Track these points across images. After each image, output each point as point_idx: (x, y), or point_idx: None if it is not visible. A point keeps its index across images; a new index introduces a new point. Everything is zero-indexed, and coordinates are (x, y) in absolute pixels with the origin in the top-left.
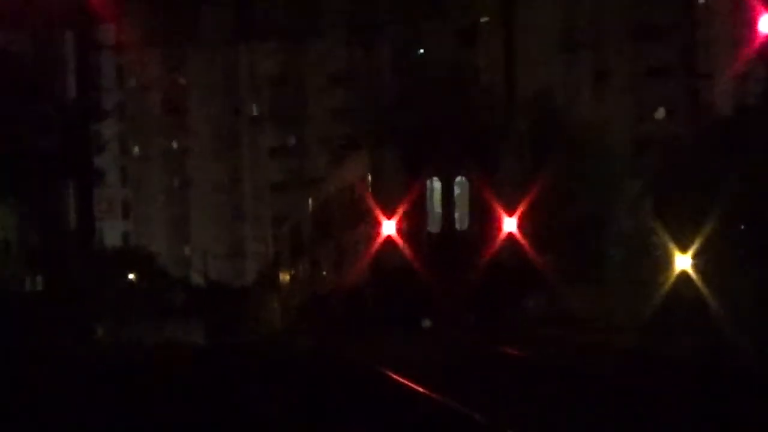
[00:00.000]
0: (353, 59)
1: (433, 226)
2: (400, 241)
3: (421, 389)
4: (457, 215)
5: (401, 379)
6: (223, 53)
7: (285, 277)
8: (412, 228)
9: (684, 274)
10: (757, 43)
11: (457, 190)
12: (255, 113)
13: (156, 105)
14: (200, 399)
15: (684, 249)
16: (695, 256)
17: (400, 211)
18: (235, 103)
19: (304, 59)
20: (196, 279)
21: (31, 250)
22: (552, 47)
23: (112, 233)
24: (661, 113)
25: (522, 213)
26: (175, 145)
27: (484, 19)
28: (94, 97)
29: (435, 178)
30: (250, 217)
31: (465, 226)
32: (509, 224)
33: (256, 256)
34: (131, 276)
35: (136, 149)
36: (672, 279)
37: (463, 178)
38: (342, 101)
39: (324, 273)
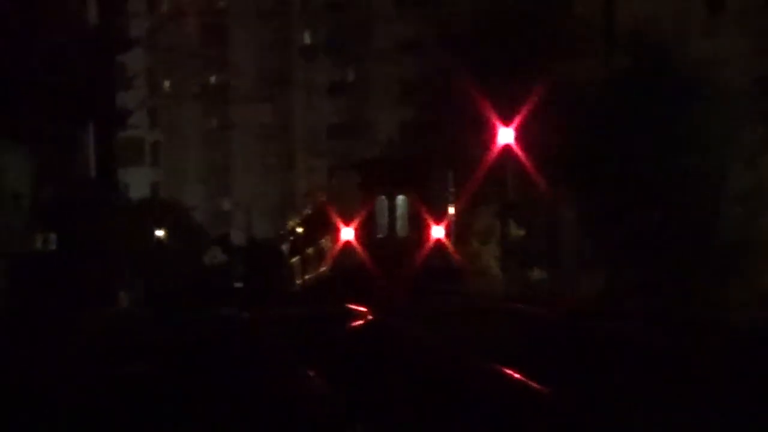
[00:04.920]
0: None
1: (381, 233)
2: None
3: None
4: (398, 224)
5: None
6: None
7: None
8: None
9: None
10: None
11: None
12: (308, 43)
13: (192, 33)
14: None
15: None
16: None
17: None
18: (285, 32)
19: None
20: (238, 238)
21: (43, 203)
22: None
23: (138, 183)
24: None
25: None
26: (213, 80)
27: None
28: (119, 24)
29: (383, 197)
30: (302, 167)
31: (405, 233)
32: (437, 231)
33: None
34: (160, 233)
35: (168, 85)
36: None
37: (403, 196)
38: (412, 30)
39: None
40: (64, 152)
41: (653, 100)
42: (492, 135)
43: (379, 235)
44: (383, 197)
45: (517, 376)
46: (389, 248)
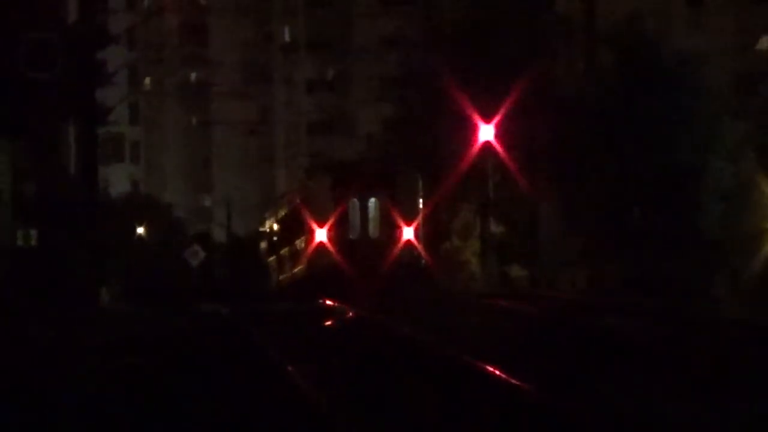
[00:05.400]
0: None
1: (353, 234)
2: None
3: None
4: (370, 226)
5: None
6: None
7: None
8: (338, 235)
9: None
10: None
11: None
12: (288, 40)
13: (172, 30)
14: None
15: None
16: None
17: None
18: (266, 28)
19: None
20: (218, 234)
21: (24, 199)
22: None
23: (118, 179)
24: (765, 43)
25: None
26: (194, 77)
27: None
28: (100, 20)
29: (355, 199)
30: (284, 163)
31: (376, 234)
32: (408, 232)
33: None
34: (140, 230)
35: (149, 82)
36: None
37: (375, 199)
38: (394, 27)
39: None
40: (45, 148)
41: (636, 98)
42: (474, 132)
43: (352, 237)
44: (355, 200)
45: (506, 375)
46: (361, 249)
